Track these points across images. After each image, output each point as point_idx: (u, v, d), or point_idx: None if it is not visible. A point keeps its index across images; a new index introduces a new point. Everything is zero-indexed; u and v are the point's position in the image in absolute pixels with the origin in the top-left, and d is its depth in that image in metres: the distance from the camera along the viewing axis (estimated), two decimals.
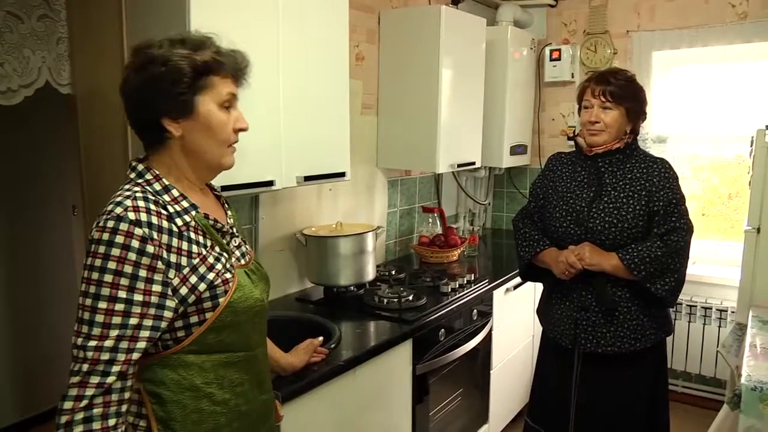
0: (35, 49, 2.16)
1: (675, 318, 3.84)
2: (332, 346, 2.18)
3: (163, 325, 1.26)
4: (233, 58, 1.38)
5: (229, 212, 1.54)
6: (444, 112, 3.20)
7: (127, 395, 1.24)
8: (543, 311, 2.55)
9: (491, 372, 3.23)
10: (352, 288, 2.82)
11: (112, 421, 1.21)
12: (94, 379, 1.19)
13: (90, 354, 1.19)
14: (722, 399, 3.43)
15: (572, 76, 4.22)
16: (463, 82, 3.37)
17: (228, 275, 1.36)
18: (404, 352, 2.46)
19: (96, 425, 1.19)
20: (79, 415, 1.19)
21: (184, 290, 1.28)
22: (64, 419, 1.19)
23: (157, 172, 1.35)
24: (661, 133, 3.95)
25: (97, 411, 1.20)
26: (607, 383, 2.36)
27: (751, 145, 3.15)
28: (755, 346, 2.43)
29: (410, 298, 2.67)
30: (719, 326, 3.82)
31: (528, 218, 2.53)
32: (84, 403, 1.19)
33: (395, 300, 2.63)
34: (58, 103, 2.47)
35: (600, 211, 2.27)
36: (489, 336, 3.13)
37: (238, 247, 1.50)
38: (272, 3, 2.14)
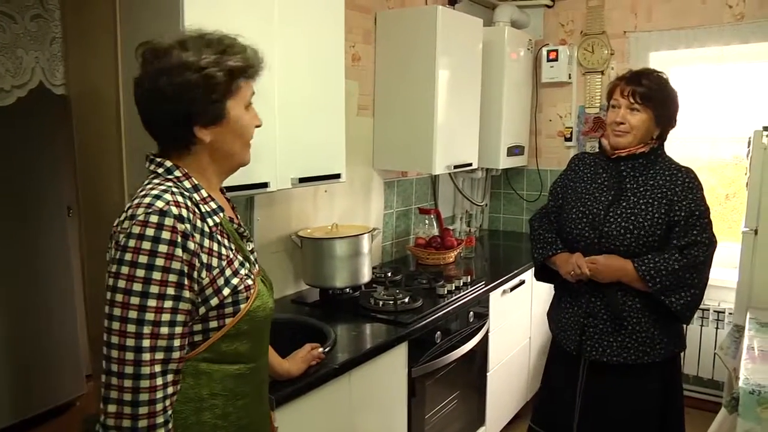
0: (28, 49, 2.15)
1: None
2: (327, 349, 2.16)
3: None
4: (254, 57, 1.37)
5: (238, 216, 1.53)
6: (440, 113, 3.19)
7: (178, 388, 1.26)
8: (552, 314, 2.51)
9: (488, 374, 3.22)
10: (347, 290, 2.81)
11: (173, 413, 1.24)
12: (160, 381, 1.19)
13: (148, 356, 1.17)
14: (720, 401, 3.42)
15: (569, 77, 4.22)
16: (460, 82, 3.36)
17: (250, 281, 1.35)
18: (400, 354, 2.45)
19: (171, 425, 1.22)
20: (160, 419, 1.19)
21: (209, 291, 1.26)
22: (144, 423, 1.17)
23: (186, 171, 1.33)
24: None
25: (170, 412, 1.22)
26: (613, 394, 2.30)
27: (749, 146, 3.15)
28: (753, 349, 2.42)
29: (406, 300, 2.66)
30: (717, 328, 3.81)
31: (545, 218, 2.49)
32: (159, 407, 1.19)
33: (391, 302, 2.62)
34: (54, 103, 2.46)
35: (617, 216, 2.20)
36: (485, 338, 3.11)
37: (252, 252, 1.48)
38: (267, 4, 2.13)
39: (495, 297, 3.19)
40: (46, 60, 2.21)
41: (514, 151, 4.09)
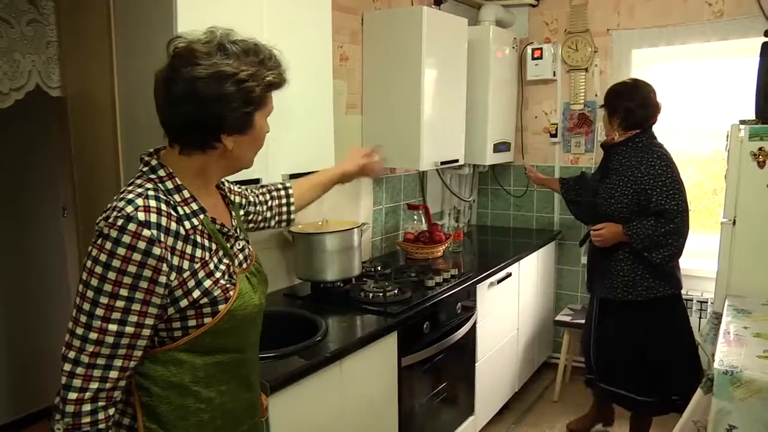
0: (25, 53, 2.20)
1: None
2: (318, 339, 2.23)
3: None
4: (284, 71, 1.41)
5: (233, 212, 1.54)
6: (427, 111, 3.27)
7: (123, 385, 1.27)
8: None
9: (476, 364, 3.29)
10: (338, 283, 2.87)
11: (111, 411, 1.27)
12: (98, 373, 1.23)
13: (91, 348, 1.22)
14: None
15: (554, 75, 4.31)
16: (446, 81, 3.44)
17: (228, 283, 1.37)
18: (390, 344, 2.52)
19: (101, 415, 1.25)
20: (87, 407, 1.23)
21: (178, 293, 1.29)
22: (71, 409, 1.22)
23: (171, 170, 1.34)
24: None
25: (101, 403, 1.24)
26: (611, 325, 3.21)
27: (727, 140, 3.23)
28: (729, 333, 2.50)
29: (395, 292, 2.73)
30: (700, 317, 3.90)
31: None
32: (88, 395, 1.23)
33: (380, 294, 2.69)
34: (50, 105, 2.51)
35: (602, 191, 3.13)
36: (473, 329, 3.19)
37: (242, 250, 1.51)
38: (256, 5, 2.20)
39: (482, 289, 3.27)
40: (43, 63, 2.26)
41: (500, 147, 4.17)
